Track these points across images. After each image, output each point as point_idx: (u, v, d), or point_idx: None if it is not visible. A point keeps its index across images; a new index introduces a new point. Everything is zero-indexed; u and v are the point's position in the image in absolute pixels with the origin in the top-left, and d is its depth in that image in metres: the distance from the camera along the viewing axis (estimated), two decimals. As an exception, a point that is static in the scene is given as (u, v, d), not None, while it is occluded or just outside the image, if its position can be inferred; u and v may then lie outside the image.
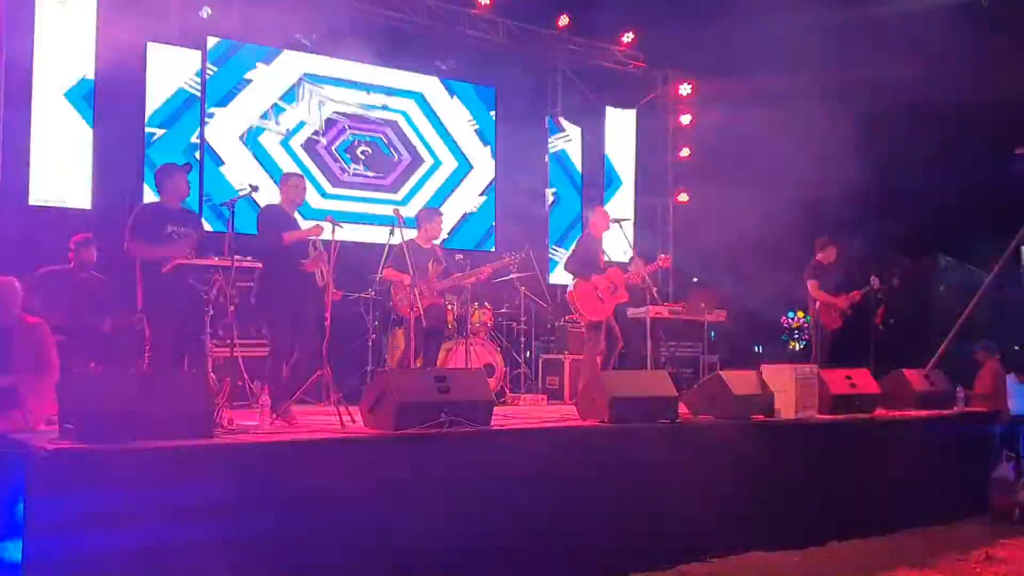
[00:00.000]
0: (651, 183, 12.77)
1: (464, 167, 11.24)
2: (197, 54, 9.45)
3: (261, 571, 4.25)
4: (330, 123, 10.23)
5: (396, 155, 10.67)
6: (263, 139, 9.83)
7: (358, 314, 8.54)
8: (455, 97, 11.23)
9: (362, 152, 10.43)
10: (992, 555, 5.97)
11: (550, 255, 11.82)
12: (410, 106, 10.83)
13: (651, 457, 5.60)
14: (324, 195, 10.06)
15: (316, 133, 10.11)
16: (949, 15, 9.35)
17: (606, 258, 8.21)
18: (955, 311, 9.83)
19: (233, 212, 5.92)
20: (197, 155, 9.30)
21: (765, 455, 6.10)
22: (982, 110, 9.57)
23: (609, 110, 12.58)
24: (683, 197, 12.89)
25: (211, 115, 9.54)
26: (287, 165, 9.76)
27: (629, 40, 12.22)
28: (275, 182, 7.57)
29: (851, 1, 9.73)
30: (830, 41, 9.70)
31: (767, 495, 6.01)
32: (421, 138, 10.89)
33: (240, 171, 9.60)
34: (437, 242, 7.85)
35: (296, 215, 6.60)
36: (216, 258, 5.98)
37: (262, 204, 6.81)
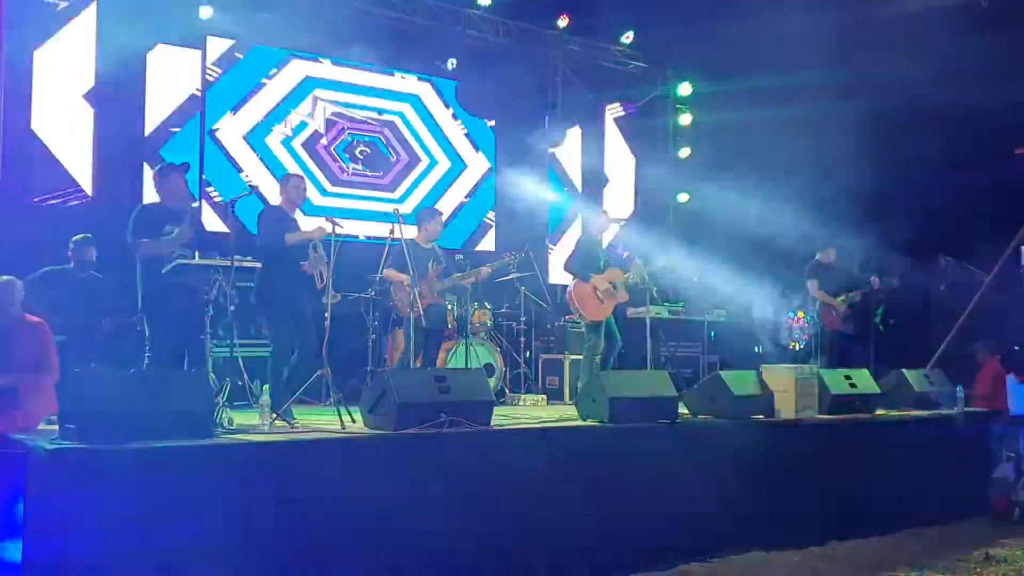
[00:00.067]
0: (651, 183, 12.76)
1: (461, 166, 11.25)
2: (197, 54, 9.46)
3: (261, 571, 4.25)
4: (330, 123, 10.25)
5: (394, 155, 10.71)
6: (264, 139, 9.84)
7: (358, 314, 8.54)
8: (454, 97, 11.25)
9: (361, 152, 10.47)
10: (992, 555, 5.97)
11: (548, 253, 11.82)
12: (407, 108, 10.86)
13: (651, 457, 5.60)
14: (324, 193, 10.12)
15: (316, 133, 10.14)
16: (949, 15, 9.34)
17: (605, 258, 8.21)
18: (955, 311, 9.83)
19: (233, 212, 5.92)
20: (198, 155, 9.32)
21: (765, 455, 6.10)
22: (982, 110, 9.56)
23: (609, 110, 12.58)
24: (683, 197, 12.89)
25: (211, 115, 9.55)
26: (288, 165, 9.79)
27: (629, 40, 12.21)
28: (277, 180, 7.55)
29: (851, 1, 9.72)
30: (830, 41, 9.69)
31: (767, 495, 6.02)
32: (418, 138, 10.92)
33: (241, 171, 9.61)
34: (437, 242, 7.86)
35: (298, 212, 6.62)
36: (216, 258, 5.98)
37: (263, 204, 6.82)
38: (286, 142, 9.95)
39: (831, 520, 6.31)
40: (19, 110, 8.39)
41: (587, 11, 11.45)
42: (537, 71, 11.93)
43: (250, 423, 5.26)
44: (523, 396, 8.72)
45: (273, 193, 8.60)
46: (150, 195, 8.33)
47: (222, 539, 4.12)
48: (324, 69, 10.27)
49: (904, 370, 7.69)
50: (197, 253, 5.96)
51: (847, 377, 7.02)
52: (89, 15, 8.73)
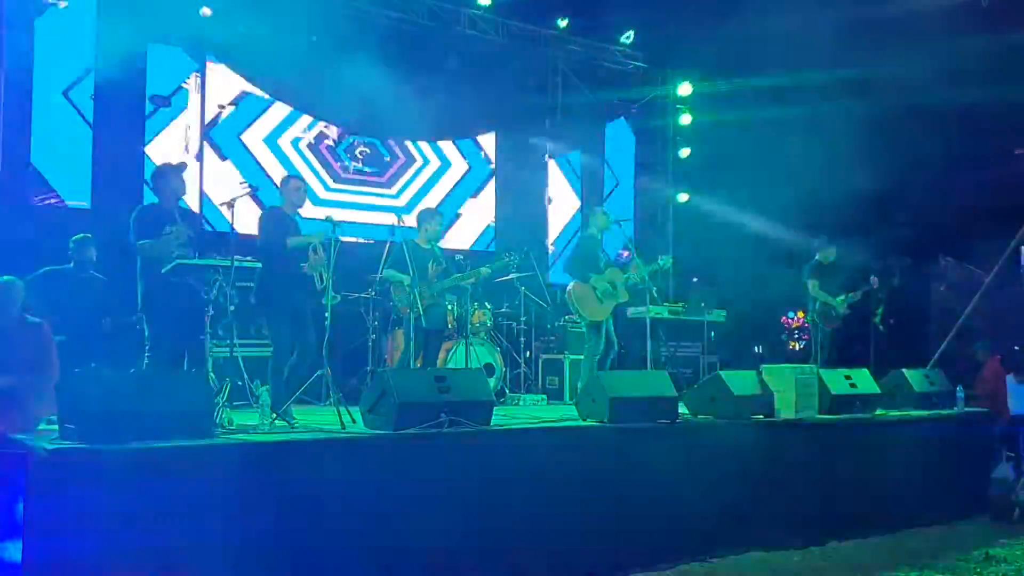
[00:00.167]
0: (651, 183, 12.77)
1: (459, 167, 11.26)
2: (197, 54, 9.46)
3: (261, 571, 4.25)
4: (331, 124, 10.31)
5: (392, 155, 10.73)
6: (264, 139, 9.85)
7: (358, 314, 8.54)
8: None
9: (360, 152, 10.49)
10: (992, 555, 5.97)
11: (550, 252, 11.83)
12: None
13: (651, 457, 5.59)
14: (327, 187, 10.20)
15: (322, 134, 10.19)
16: (949, 15, 9.35)
17: (605, 258, 8.21)
18: (955, 311, 9.83)
19: (233, 212, 5.93)
20: (197, 155, 9.32)
21: (765, 455, 6.10)
22: (982, 110, 9.57)
23: (608, 110, 12.58)
24: (683, 197, 12.89)
25: (211, 115, 9.55)
26: (289, 165, 9.80)
27: (629, 40, 12.22)
28: (277, 182, 7.56)
29: (851, 1, 9.72)
30: (830, 41, 9.69)
31: (767, 495, 6.01)
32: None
33: (241, 171, 9.61)
34: (437, 242, 7.86)
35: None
36: (216, 258, 5.98)
37: (263, 205, 6.83)
38: (288, 142, 9.96)
39: (831, 520, 6.30)
40: (19, 111, 8.39)
41: (587, 11, 11.45)
42: (537, 71, 11.94)
43: (250, 423, 5.26)
44: (523, 396, 8.72)
45: (273, 194, 8.60)
46: (150, 195, 8.37)
47: (222, 539, 4.12)
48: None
49: (904, 370, 7.68)
50: (197, 253, 5.96)
51: (847, 377, 7.02)
52: (89, 15, 8.73)
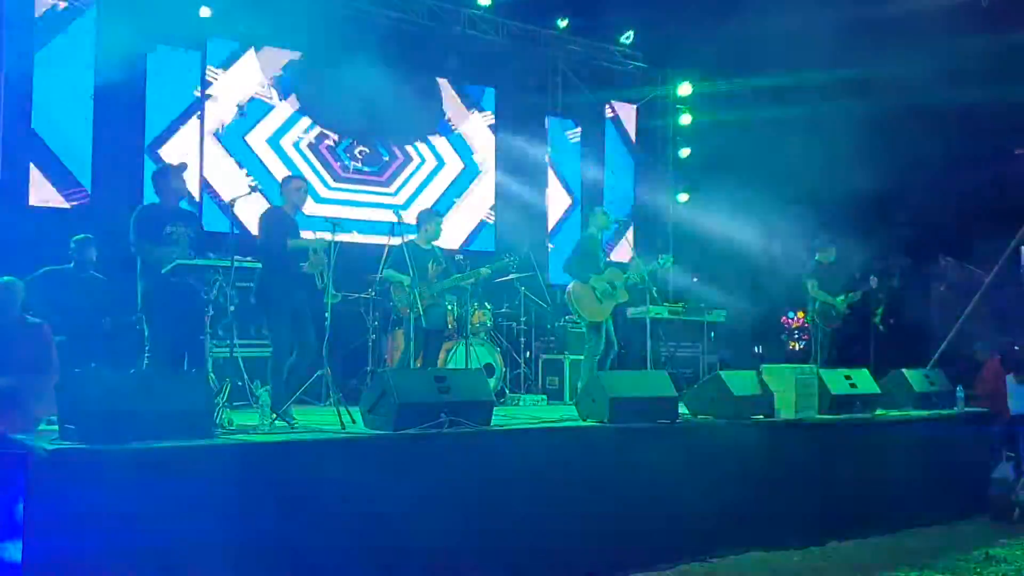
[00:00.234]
0: (651, 183, 12.77)
1: (458, 166, 11.26)
2: (197, 54, 9.46)
3: (261, 571, 4.25)
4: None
5: (391, 155, 10.74)
6: (265, 139, 9.85)
7: (358, 314, 8.54)
8: (455, 95, 11.26)
9: (360, 152, 10.50)
10: (992, 555, 5.97)
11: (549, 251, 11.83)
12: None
13: (651, 457, 5.59)
14: (327, 187, 10.22)
15: (323, 134, 10.21)
16: (949, 15, 9.35)
17: (606, 258, 8.21)
18: (955, 311, 9.83)
19: (233, 212, 5.93)
20: (198, 155, 9.33)
21: (765, 455, 6.09)
22: (982, 110, 9.57)
23: (608, 110, 12.59)
24: (683, 197, 12.89)
25: (211, 115, 9.55)
26: (291, 165, 9.81)
27: (629, 40, 12.22)
28: (270, 182, 7.58)
29: (850, 1, 9.72)
30: (830, 41, 9.69)
31: (767, 495, 6.01)
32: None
33: (241, 171, 9.62)
34: (437, 243, 7.86)
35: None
36: (216, 258, 5.98)
37: (264, 205, 6.83)
38: (289, 143, 9.98)
39: (831, 520, 6.30)
40: (19, 110, 8.39)
41: (587, 11, 11.45)
42: (537, 71, 11.94)
43: (250, 423, 5.26)
44: (523, 396, 8.72)
45: (273, 194, 8.61)
46: (150, 195, 8.38)
47: (222, 539, 4.12)
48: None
49: (904, 370, 7.69)
50: (197, 253, 5.97)
51: (847, 377, 7.02)
52: (89, 16, 8.72)
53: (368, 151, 10.56)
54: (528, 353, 9.64)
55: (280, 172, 9.45)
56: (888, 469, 6.71)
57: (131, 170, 8.85)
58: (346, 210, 10.16)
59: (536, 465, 5.16)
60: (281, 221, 6.40)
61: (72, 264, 7.44)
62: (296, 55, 10.06)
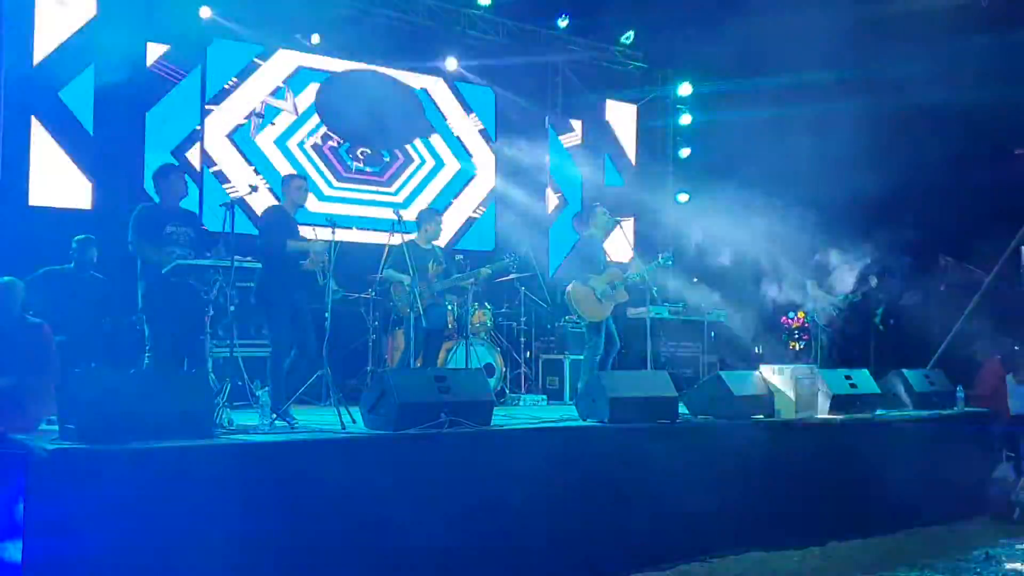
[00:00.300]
0: (651, 183, 12.76)
1: (458, 167, 11.26)
2: (199, 54, 9.45)
3: (261, 571, 4.25)
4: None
5: (392, 156, 10.74)
6: (265, 140, 9.86)
7: (358, 314, 8.54)
8: (453, 97, 11.27)
9: (361, 153, 10.51)
10: (992, 555, 5.98)
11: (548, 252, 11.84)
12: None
13: (651, 457, 5.60)
14: (330, 185, 10.25)
15: (327, 135, 10.22)
16: (949, 15, 9.35)
17: (606, 258, 8.21)
18: (955, 311, 9.82)
19: (233, 212, 5.92)
20: (197, 155, 9.33)
21: (765, 455, 6.10)
22: (982, 110, 9.56)
23: (609, 110, 12.58)
24: (683, 197, 12.89)
25: (211, 115, 9.55)
26: (290, 165, 9.82)
27: (629, 40, 12.21)
28: (278, 181, 7.58)
29: (851, 2, 9.72)
30: (829, 42, 9.68)
31: (767, 495, 6.02)
32: (423, 139, 10.97)
33: (241, 171, 9.62)
34: (437, 243, 7.87)
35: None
36: (216, 258, 5.98)
37: (264, 205, 6.83)
38: (287, 143, 9.99)
39: (831, 520, 6.31)
40: (19, 110, 8.39)
41: (587, 11, 11.45)
42: (537, 71, 11.93)
43: (250, 423, 5.26)
44: (523, 396, 8.72)
45: (272, 194, 8.62)
46: (150, 196, 8.38)
47: (222, 539, 4.12)
48: (324, 67, 10.28)
49: (904, 370, 7.69)
50: (197, 253, 5.97)
51: (847, 377, 7.02)
52: (89, 16, 8.72)
53: (369, 152, 10.58)
54: (528, 353, 9.63)
55: (287, 172, 9.46)
56: (888, 469, 6.71)
57: (131, 170, 8.84)
58: (348, 208, 10.18)
59: (536, 465, 5.16)
60: (282, 220, 6.40)
61: (72, 264, 7.44)
62: (301, 56, 10.07)
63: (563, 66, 12.06)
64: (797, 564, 5.77)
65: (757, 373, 6.60)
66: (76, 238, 7.48)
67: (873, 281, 9.16)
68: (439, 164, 11.11)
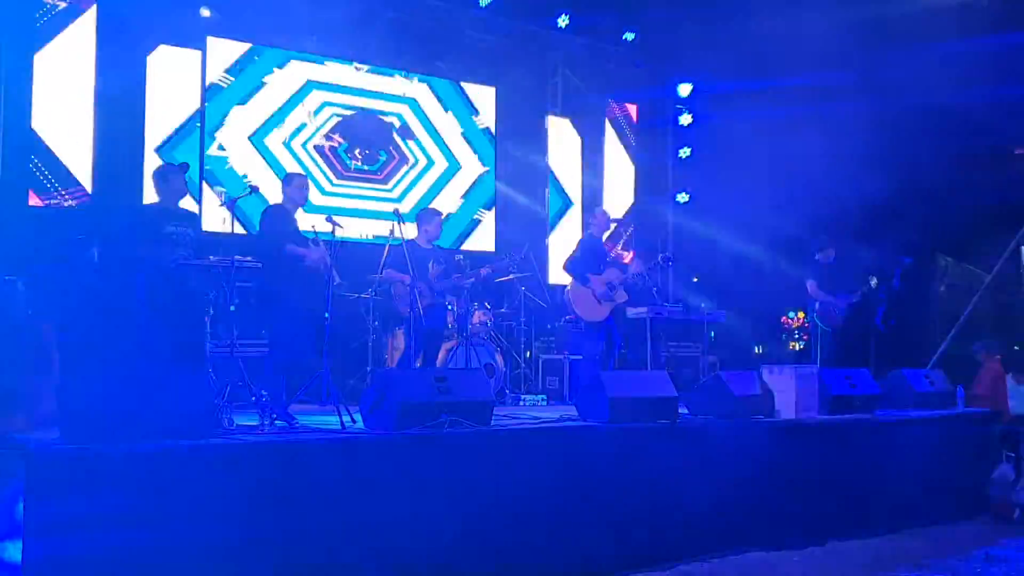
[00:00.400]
0: (651, 183, 12.76)
1: (457, 167, 11.26)
2: (198, 55, 9.46)
3: (261, 571, 4.25)
4: (330, 124, 10.33)
5: (389, 156, 10.75)
6: (265, 140, 9.86)
7: (358, 314, 8.54)
8: (453, 97, 11.28)
9: (360, 152, 10.51)
10: (992, 555, 5.98)
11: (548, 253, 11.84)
12: (405, 109, 10.87)
13: (651, 457, 5.60)
14: (331, 183, 10.28)
15: (327, 135, 10.23)
16: (949, 15, 9.35)
17: (605, 258, 8.21)
18: (955, 311, 9.83)
19: (234, 212, 5.93)
20: (198, 155, 9.33)
21: (765, 455, 6.10)
22: (982, 110, 9.57)
23: (608, 110, 12.58)
24: (683, 197, 12.89)
25: (212, 116, 9.55)
26: (290, 165, 9.82)
27: (629, 40, 12.20)
28: (279, 179, 7.59)
29: (852, 2, 9.72)
30: (830, 42, 9.69)
31: (767, 495, 6.02)
32: (416, 139, 10.96)
33: (241, 171, 9.63)
34: (436, 242, 7.87)
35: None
36: (216, 258, 5.98)
37: (264, 204, 6.83)
38: (287, 143, 10.00)
39: (831, 520, 6.31)
40: (19, 110, 8.38)
41: (588, 11, 11.45)
42: (537, 71, 11.93)
43: (250, 423, 5.26)
44: (523, 396, 8.72)
45: (273, 194, 8.63)
46: (150, 195, 8.38)
47: (222, 539, 4.12)
48: (324, 71, 10.30)
49: (904, 370, 7.69)
50: (197, 253, 5.96)
51: (847, 377, 7.02)
52: (89, 16, 8.72)
53: (368, 151, 10.60)
54: (528, 353, 9.63)
55: (277, 173, 9.48)
56: (888, 469, 6.72)
57: (131, 170, 8.84)
58: (347, 202, 10.23)
59: (536, 465, 5.16)
60: (282, 219, 6.40)
61: (72, 264, 7.43)
62: (304, 66, 10.10)
63: (563, 66, 12.06)
64: (797, 564, 5.77)
65: (757, 373, 6.60)
66: (75, 238, 7.47)
67: (873, 281, 9.16)
68: (436, 164, 11.11)
